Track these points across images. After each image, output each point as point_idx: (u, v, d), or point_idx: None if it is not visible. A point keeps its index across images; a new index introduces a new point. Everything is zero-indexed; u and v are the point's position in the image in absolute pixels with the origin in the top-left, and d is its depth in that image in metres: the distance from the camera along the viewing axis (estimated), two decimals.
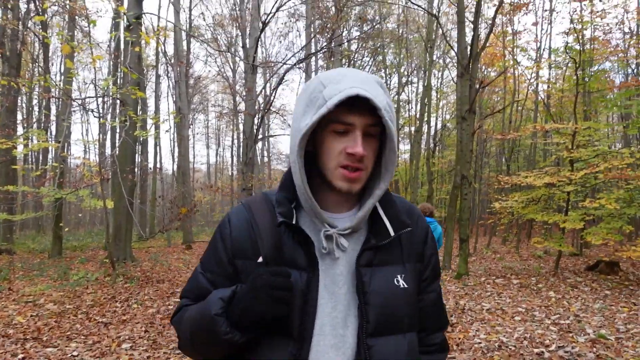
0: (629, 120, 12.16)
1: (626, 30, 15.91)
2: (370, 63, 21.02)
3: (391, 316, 0.95)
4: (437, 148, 22.20)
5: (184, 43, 19.89)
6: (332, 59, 18.04)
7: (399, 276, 0.97)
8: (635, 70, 15.90)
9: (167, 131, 21.36)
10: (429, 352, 1.07)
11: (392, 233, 0.97)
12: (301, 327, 0.91)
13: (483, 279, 8.51)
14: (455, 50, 9.96)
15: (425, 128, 19.36)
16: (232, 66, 25.86)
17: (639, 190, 10.02)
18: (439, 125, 23.54)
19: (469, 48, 9.30)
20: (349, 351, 0.92)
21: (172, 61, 19.34)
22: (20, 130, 18.02)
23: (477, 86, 9.45)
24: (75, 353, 4.48)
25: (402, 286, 0.97)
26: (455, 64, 13.92)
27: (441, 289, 1.13)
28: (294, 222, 0.94)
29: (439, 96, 23.86)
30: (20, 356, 4.37)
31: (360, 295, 0.93)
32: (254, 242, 0.98)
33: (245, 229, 1.00)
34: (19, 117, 20.21)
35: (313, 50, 17.11)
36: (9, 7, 14.07)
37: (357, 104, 0.86)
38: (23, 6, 15.33)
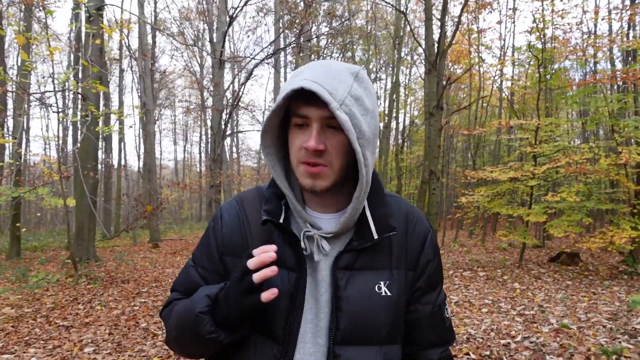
0: (588, 117, 12.63)
1: (585, 30, 16.49)
2: (339, 59, 21.06)
3: (365, 325, 0.88)
4: (405, 144, 22.50)
5: (149, 37, 19.35)
6: (301, 55, 17.97)
7: (381, 283, 0.91)
8: (593, 69, 16.53)
9: (131, 127, 20.84)
10: None
11: (375, 236, 0.90)
12: (286, 330, 0.88)
13: (451, 272, 8.67)
14: (423, 47, 10.07)
15: (393, 124, 19.58)
16: (199, 61, 25.41)
17: (597, 183, 10.45)
18: (407, 121, 23.87)
19: (436, 45, 9.42)
20: None
21: (137, 55, 18.80)
22: None
23: (444, 83, 9.59)
24: (34, 359, 4.29)
25: (383, 294, 0.90)
26: (423, 61, 14.12)
27: (444, 301, 1.03)
28: (281, 220, 0.91)
29: (407, 92, 24.17)
30: None
31: (333, 300, 0.88)
32: (245, 239, 0.95)
33: (236, 225, 0.98)
34: None
35: (282, 46, 16.98)
36: None
37: (313, 97, 0.81)
38: None
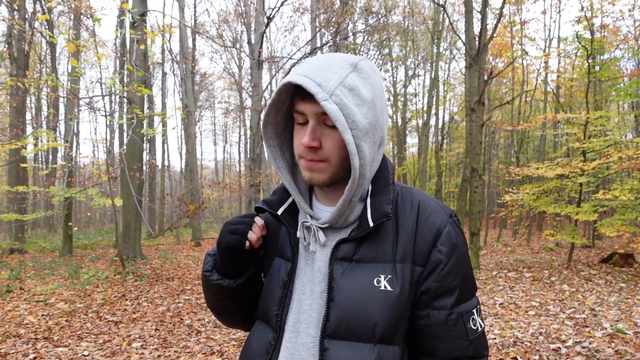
0: None
1: (637, 16, 15.60)
2: (376, 56, 20.87)
3: (358, 320, 0.84)
4: (445, 141, 22.02)
5: (190, 40, 19.85)
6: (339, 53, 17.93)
7: (382, 276, 0.86)
8: None
9: (173, 128, 21.42)
10: None
11: (371, 223, 0.87)
12: (278, 317, 0.91)
13: (495, 273, 8.41)
14: (463, 40, 9.80)
15: (432, 121, 19.19)
16: (237, 62, 25.82)
17: None
18: (447, 118, 23.33)
19: (477, 38, 9.15)
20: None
21: (178, 58, 19.33)
22: (29, 130, 18.13)
23: (486, 77, 9.30)
24: (86, 352, 4.47)
25: (382, 288, 0.85)
26: (463, 55, 13.75)
27: (473, 310, 0.91)
28: (280, 211, 0.95)
29: (446, 88, 23.63)
30: (32, 356, 4.37)
31: (327, 291, 0.88)
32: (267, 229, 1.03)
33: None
34: (28, 116, 20.35)
35: (318, 45, 17.02)
36: (15, 7, 14.12)
37: (308, 92, 0.81)
38: (29, 6, 15.36)
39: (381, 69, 22.01)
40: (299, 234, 0.93)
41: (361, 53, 19.27)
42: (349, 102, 0.81)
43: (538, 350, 4.06)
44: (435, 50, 17.03)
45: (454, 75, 24.87)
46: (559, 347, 4.09)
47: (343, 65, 0.84)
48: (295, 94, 0.86)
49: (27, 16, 14.50)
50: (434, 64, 17.63)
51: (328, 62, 0.84)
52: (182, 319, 5.69)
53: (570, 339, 4.34)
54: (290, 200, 0.98)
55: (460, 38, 10.93)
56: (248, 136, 20.77)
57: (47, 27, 17.63)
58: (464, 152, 12.53)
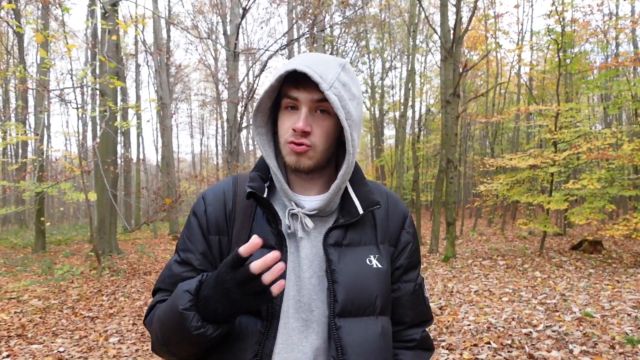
0: (610, 101, 12.30)
1: (606, 11, 16.04)
2: (353, 48, 20.89)
3: (361, 296, 0.92)
4: (422, 132, 22.27)
5: (164, 31, 19.46)
6: (315, 45, 17.86)
7: (371, 256, 0.96)
8: (615, 51, 16.07)
9: (148, 121, 21.04)
10: (407, 348, 1.02)
11: (360, 211, 0.96)
12: (269, 305, 0.90)
13: (470, 261, 8.61)
14: (439, 33, 9.91)
15: (410, 113, 19.35)
16: (213, 54, 25.47)
17: (620, 169, 10.19)
18: (424, 110, 23.59)
19: (451, 31, 9.26)
20: (313, 335, 0.91)
21: (152, 50, 18.94)
22: None
23: (461, 70, 9.44)
24: (61, 349, 4.41)
25: (374, 266, 0.95)
26: (439, 48, 13.89)
27: (423, 281, 1.08)
28: (264, 195, 0.94)
29: (422, 81, 23.87)
30: (5, 354, 4.28)
31: (328, 274, 0.92)
32: (228, 216, 0.99)
33: (220, 202, 1.00)
34: None
35: (295, 37, 16.91)
36: None
37: (304, 81, 0.88)
38: None
39: (358, 61, 22.06)
40: (285, 221, 0.95)
41: (338, 45, 19.24)
42: (344, 95, 0.89)
43: (510, 335, 4.20)
44: (411, 43, 17.16)
45: (431, 67, 25.13)
46: (531, 332, 4.24)
47: (334, 64, 0.92)
48: (287, 82, 0.91)
49: None
50: (410, 57, 17.76)
51: (321, 59, 0.91)
52: None
53: (541, 323, 4.49)
54: (266, 189, 0.98)
55: (435, 31, 11.05)
56: (225, 129, 20.55)
57: (13, 16, 17.01)
58: (440, 144, 12.72)
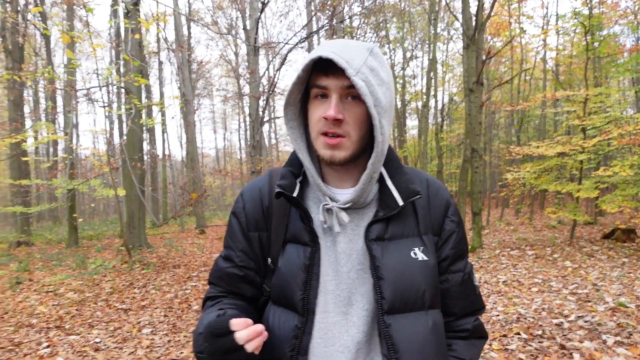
0: None
1: None
2: (373, 39, 20.67)
3: (409, 291, 0.90)
4: (445, 122, 21.95)
5: (185, 28, 19.67)
6: (335, 37, 17.78)
7: (416, 249, 0.93)
8: None
9: (172, 117, 21.31)
10: (460, 337, 1.01)
11: (400, 202, 0.93)
12: (304, 301, 0.92)
13: (497, 252, 8.49)
14: (460, 21, 9.73)
15: (432, 102, 19.10)
16: (234, 49, 25.64)
17: None
18: (446, 99, 23.22)
19: (473, 18, 9.08)
20: (354, 329, 0.91)
21: (174, 47, 19.17)
22: (28, 123, 18.12)
23: (484, 57, 9.25)
24: (97, 339, 4.56)
25: (420, 259, 0.93)
26: (461, 36, 13.63)
27: (472, 269, 1.05)
28: (294, 194, 0.94)
29: (445, 69, 23.45)
30: (45, 344, 4.46)
31: (372, 270, 0.91)
32: (267, 213, 1.01)
33: (257, 200, 1.02)
34: (26, 110, 20.29)
35: (314, 29, 16.84)
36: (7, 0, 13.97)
37: (333, 68, 0.86)
38: None
39: None
40: (320, 216, 0.93)
41: (358, 36, 19.08)
42: (372, 80, 0.86)
43: (541, 325, 4.14)
44: (432, 32, 16.88)
45: (453, 56, 24.66)
46: (562, 322, 4.17)
47: (361, 49, 0.89)
48: (315, 71, 0.89)
49: (19, 8, 14.35)
50: (431, 45, 17.48)
51: (348, 44, 0.89)
52: (190, 305, 5.78)
53: (572, 313, 4.41)
54: (298, 184, 0.98)
55: (457, 18, 10.84)
56: (247, 123, 20.67)
57: (40, 19, 17.45)
58: (464, 133, 12.52)
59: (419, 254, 0.93)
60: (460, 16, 9.93)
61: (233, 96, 29.46)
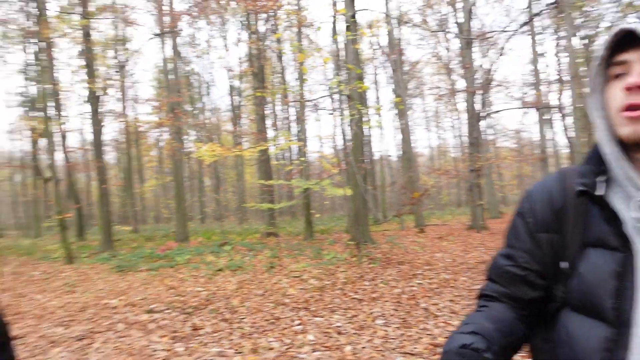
0: None
1: None
2: (614, 9, 17.44)
3: None
4: None
5: (396, 30, 20.27)
6: (562, 15, 15.65)
7: None
8: None
9: (391, 119, 22.13)
10: None
11: None
12: (617, 311, 0.80)
13: None
14: None
15: None
16: (445, 45, 25.22)
17: None
18: None
19: None
20: None
21: (386, 51, 19.95)
22: (270, 133, 21.47)
23: None
24: (338, 324, 5.07)
25: None
26: None
27: None
28: (599, 193, 0.84)
29: None
30: (297, 322, 5.20)
31: None
32: (560, 215, 0.93)
33: (546, 200, 0.95)
34: (268, 122, 24.10)
35: (536, 11, 15.20)
36: (252, 31, 16.82)
37: (634, 42, 0.78)
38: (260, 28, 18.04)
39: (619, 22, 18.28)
40: (632, 214, 0.82)
41: (591, 10, 16.39)
42: None
43: None
44: None
45: None
46: None
47: None
48: (612, 49, 0.83)
49: (259, 36, 17.01)
50: None
51: None
52: (417, 302, 5.91)
53: None
54: (602, 182, 0.87)
55: None
56: (462, 120, 20.06)
57: (277, 42, 20.40)
58: None
59: None
60: None
61: (446, 93, 28.97)
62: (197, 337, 4.88)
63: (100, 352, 4.59)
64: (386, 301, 6.00)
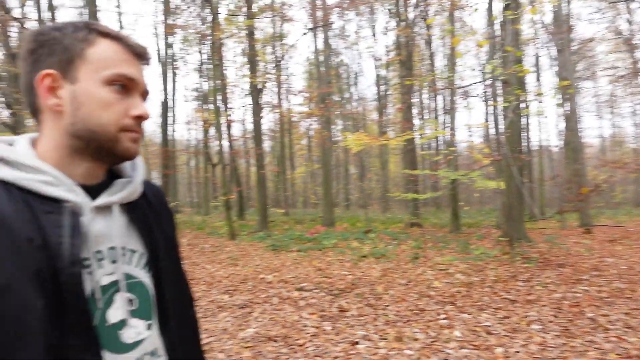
0: None
1: None
2: None
3: None
4: None
5: (564, 5, 17.94)
6: None
7: None
8: None
9: (558, 105, 19.93)
10: None
11: None
12: None
13: None
14: None
15: None
16: (627, 17, 21.60)
17: None
18: None
19: None
20: None
21: (551, 29, 17.81)
22: (416, 122, 21.05)
23: None
24: (487, 323, 4.79)
25: None
26: None
27: None
28: None
29: None
30: (443, 316, 5.05)
31: None
32: None
33: None
34: (414, 111, 23.64)
35: None
36: (401, 18, 16.53)
37: None
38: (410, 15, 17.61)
39: None
40: None
41: None
42: None
43: None
44: None
45: None
46: None
47: None
48: None
49: (408, 23, 16.62)
50: None
51: None
52: (582, 311, 5.25)
53: None
54: None
55: None
56: None
57: (426, 28, 19.82)
58: None
59: None
60: None
61: (626, 75, 24.80)
62: (343, 319, 5.08)
63: (258, 320, 5.10)
64: (544, 305, 5.46)
